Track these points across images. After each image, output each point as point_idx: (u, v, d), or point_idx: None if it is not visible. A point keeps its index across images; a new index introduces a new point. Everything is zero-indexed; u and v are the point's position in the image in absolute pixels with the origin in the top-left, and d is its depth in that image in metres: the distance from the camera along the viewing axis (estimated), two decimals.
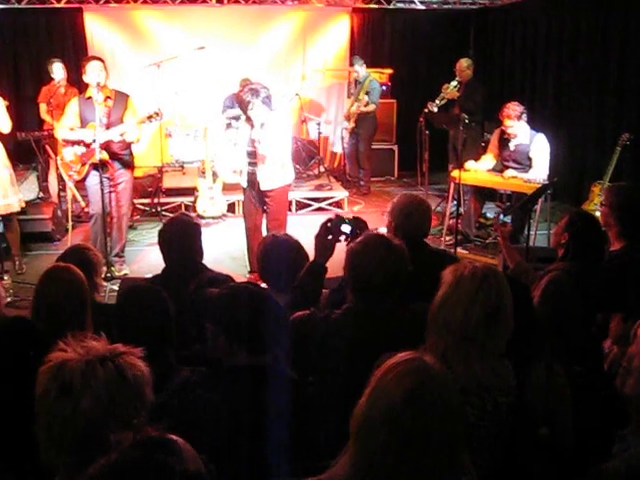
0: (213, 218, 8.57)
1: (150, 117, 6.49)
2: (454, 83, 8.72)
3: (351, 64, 10.24)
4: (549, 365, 2.59)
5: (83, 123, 6.46)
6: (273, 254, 3.61)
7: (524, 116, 7.07)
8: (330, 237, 3.29)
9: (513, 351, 2.42)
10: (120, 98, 6.58)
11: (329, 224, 3.33)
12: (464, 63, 8.76)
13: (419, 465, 1.59)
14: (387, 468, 1.59)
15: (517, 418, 2.31)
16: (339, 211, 9.22)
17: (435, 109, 8.62)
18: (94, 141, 6.18)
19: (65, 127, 6.52)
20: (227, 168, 8.24)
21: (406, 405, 1.61)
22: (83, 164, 6.50)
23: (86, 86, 6.58)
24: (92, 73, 6.32)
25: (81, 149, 6.45)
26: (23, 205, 6.93)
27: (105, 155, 6.30)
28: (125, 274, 6.71)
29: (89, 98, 6.37)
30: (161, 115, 6.67)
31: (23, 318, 2.81)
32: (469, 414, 2.19)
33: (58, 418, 1.64)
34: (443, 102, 8.75)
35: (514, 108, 7.02)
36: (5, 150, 6.67)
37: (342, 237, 3.34)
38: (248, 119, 6.04)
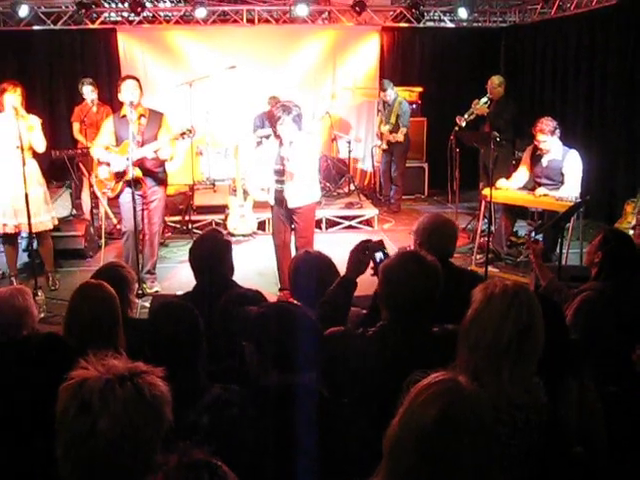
0: (244, 236, 8.61)
1: (183, 134, 6.56)
2: (484, 99, 8.69)
3: (381, 88, 10.22)
4: (580, 382, 2.56)
5: (118, 141, 6.54)
6: (305, 270, 3.61)
7: (557, 132, 7.02)
8: (366, 254, 3.30)
9: (544, 369, 2.39)
10: (154, 116, 6.66)
11: (368, 244, 3.34)
12: (496, 80, 8.73)
13: None
14: None
15: (549, 436, 2.27)
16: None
17: (464, 124, 8.60)
18: (127, 159, 6.25)
19: (100, 145, 6.61)
20: (256, 186, 8.30)
21: (438, 426, 1.60)
22: (117, 181, 6.58)
23: (120, 105, 6.67)
24: (126, 92, 6.40)
25: (114, 168, 6.53)
26: (56, 223, 7.03)
27: (138, 172, 6.37)
28: (156, 291, 6.76)
29: (124, 116, 6.45)
30: (194, 132, 6.74)
31: (55, 335, 2.83)
32: (500, 432, 2.16)
33: (76, 436, 1.64)
34: (472, 117, 8.72)
35: (547, 123, 6.98)
36: (40, 168, 6.78)
37: (372, 263, 3.37)
38: (277, 135, 6.08)
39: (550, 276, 4.38)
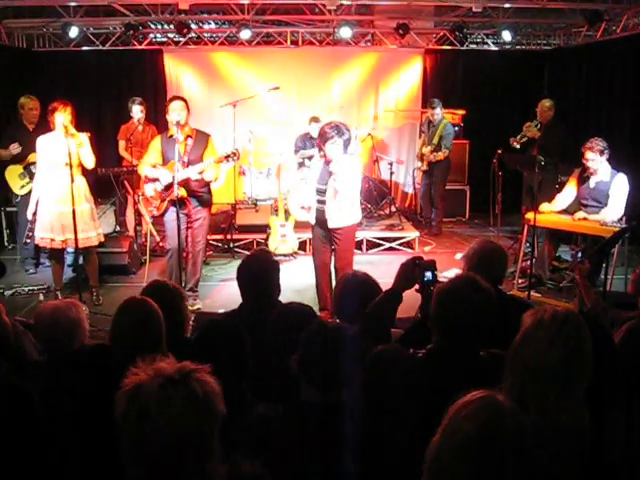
0: (284, 255, 8.64)
1: (228, 157, 6.64)
2: (535, 122, 8.64)
3: (431, 106, 10.21)
4: (628, 414, 2.52)
5: (165, 161, 6.64)
6: (350, 291, 3.62)
7: (606, 153, 6.94)
8: (416, 270, 3.31)
9: (592, 398, 2.37)
10: (201, 137, 6.76)
11: (418, 261, 3.35)
12: (546, 104, 8.68)
13: None
14: None
15: (591, 467, 2.24)
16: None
17: (517, 146, 8.54)
18: (173, 178, 6.34)
19: (147, 163, 6.73)
20: (297, 203, 8.36)
21: (479, 441, 1.61)
22: (162, 200, 6.67)
23: (166, 124, 6.79)
24: (173, 112, 6.51)
25: (161, 186, 6.63)
26: (102, 239, 7.16)
27: (183, 192, 6.45)
28: (198, 308, 6.81)
29: (171, 136, 6.55)
30: (238, 155, 6.81)
31: (104, 345, 2.88)
32: (542, 456, 2.14)
33: (138, 440, 1.68)
34: (524, 140, 8.67)
35: (597, 142, 6.92)
36: (88, 185, 6.92)
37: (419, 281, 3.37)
38: (322, 153, 6.11)
39: (595, 298, 4.33)
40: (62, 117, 6.50)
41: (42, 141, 6.76)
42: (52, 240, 6.77)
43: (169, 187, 6.52)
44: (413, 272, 3.33)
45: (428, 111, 10.42)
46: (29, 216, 6.88)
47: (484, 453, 1.60)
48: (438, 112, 10.19)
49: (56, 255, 7.06)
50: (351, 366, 2.41)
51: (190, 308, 6.70)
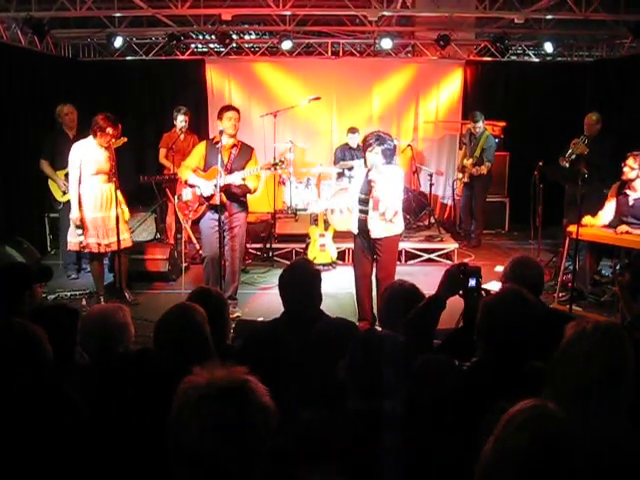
0: (323, 265, 8.64)
1: (275, 164, 6.74)
2: (583, 138, 8.51)
3: (473, 119, 10.16)
4: None
5: (206, 165, 6.74)
6: (396, 300, 3.61)
7: None
8: (461, 276, 3.30)
9: (634, 412, 2.34)
10: (245, 149, 6.86)
11: (465, 267, 3.35)
12: (593, 117, 8.53)
13: None
14: None
15: None
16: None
17: (567, 164, 8.42)
18: (215, 185, 6.43)
19: (189, 168, 6.83)
20: (336, 209, 8.39)
21: (533, 449, 1.61)
22: (201, 204, 6.76)
23: (206, 133, 6.88)
24: (228, 121, 6.62)
25: (200, 191, 6.73)
26: (128, 244, 7.27)
27: (223, 198, 6.53)
28: (237, 316, 6.85)
29: (217, 143, 6.63)
30: (287, 163, 6.88)
31: (149, 349, 2.92)
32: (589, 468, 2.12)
33: (201, 449, 1.67)
34: (573, 157, 8.55)
35: None
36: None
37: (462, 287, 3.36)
38: (365, 161, 6.13)
39: (636, 310, 4.28)
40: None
41: (79, 148, 6.89)
42: (99, 245, 6.93)
43: (209, 195, 6.63)
44: (458, 278, 3.32)
45: (469, 123, 10.37)
46: (77, 221, 6.96)
47: (537, 463, 1.59)
48: (480, 125, 10.14)
49: (99, 259, 7.23)
50: (397, 374, 2.41)
51: (230, 316, 6.77)
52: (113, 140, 6.82)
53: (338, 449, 2.31)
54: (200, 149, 6.91)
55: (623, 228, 6.85)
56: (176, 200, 7.10)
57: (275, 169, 6.81)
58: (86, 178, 6.87)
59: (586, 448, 2.03)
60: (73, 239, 7.07)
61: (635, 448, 2.27)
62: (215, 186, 6.44)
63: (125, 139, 7.29)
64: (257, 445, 1.69)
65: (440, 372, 2.59)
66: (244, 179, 6.61)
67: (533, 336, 2.75)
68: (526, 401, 1.74)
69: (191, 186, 6.77)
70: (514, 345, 2.72)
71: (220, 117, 6.67)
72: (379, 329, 3.86)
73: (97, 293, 7.34)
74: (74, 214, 6.92)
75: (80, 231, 6.95)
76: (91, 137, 6.82)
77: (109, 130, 6.72)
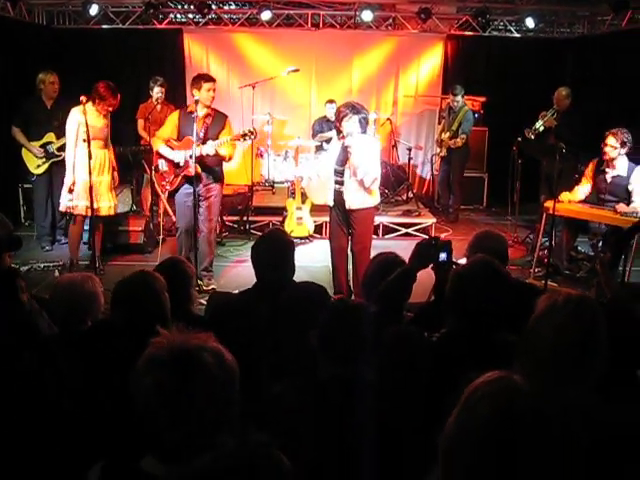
0: (300, 238, 8.63)
1: (245, 135, 6.64)
2: (552, 111, 8.54)
3: (452, 92, 10.13)
4: None
5: (179, 135, 6.67)
6: (380, 271, 3.58)
7: (627, 146, 6.86)
8: (432, 250, 3.29)
9: (605, 385, 2.33)
10: (219, 117, 6.79)
11: (434, 240, 3.33)
12: (563, 92, 8.57)
13: None
14: None
15: (601, 459, 2.18)
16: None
17: (532, 136, 8.46)
18: (190, 155, 6.38)
19: (161, 139, 6.76)
20: (312, 175, 8.36)
21: (498, 421, 1.58)
22: (176, 175, 6.70)
23: (184, 104, 6.80)
24: (207, 92, 6.56)
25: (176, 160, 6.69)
26: (112, 212, 7.26)
27: (198, 168, 6.49)
28: (212, 288, 6.82)
29: (190, 112, 6.55)
30: (256, 134, 6.81)
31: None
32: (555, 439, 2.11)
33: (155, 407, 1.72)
34: (540, 130, 8.57)
35: (623, 132, 6.85)
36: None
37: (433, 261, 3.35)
38: (340, 133, 6.07)
39: (616, 287, 4.28)
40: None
41: (77, 113, 6.78)
42: (88, 208, 6.83)
43: (184, 164, 6.59)
44: (429, 252, 3.30)
45: (449, 97, 10.34)
46: (70, 185, 6.94)
47: (500, 435, 1.57)
48: (459, 99, 10.11)
49: (82, 223, 7.22)
50: (369, 343, 2.39)
51: (205, 288, 6.75)
52: (110, 109, 6.74)
53: (308, 420, 2.29)
54: (173, 119, 6.84)
55: (622, 208, 6.80)
56: (153, 172, 7.04)
57: (244, 139, 6.73)
58: (81, 143, 6.77)
59: (556, 421, 2.02)
60: (65, 202, 7.03)
61: (605, 420, 2.27)
62: (191, 157, 6.38)
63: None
64: (195, 413, 1.72)
65: (409, 343, 2.57)
66: (218, 148, 6.55)
67: (503, 306, 2.73)
68: (491, 373, 1.71)
69: (161, 157, 6.72)
70: (483, 315, 2.71)
71: (198, 87, 6.56)
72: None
73: (71, 260, 7.26)
74: (68, 178, 6.89)
75: (71, 195, 6.94)
76: (89, 103, 6.72)
77: (108, 99, 6.75)
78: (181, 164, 6.61)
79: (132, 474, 1.79)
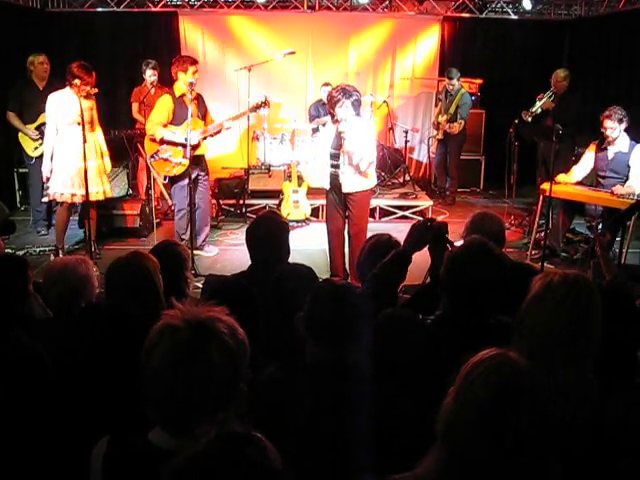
0: (297, 221, 8.63)
1: (258, 106, 6.77)
2: (549, 93, 8.50)
3: (448, 76, 10.08)
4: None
5: (175, 120, 6.69)
6: (375, 256, 3.55)
7: (625, 122, 6.87)
8: (427, 232, 3.26)
9: (601, 366, 2.32)
10: (201, 99, 7.03)
11: (431, 222, 3.32)
12: (561, 74, 8.52)
13: (512, 462, 1.57)
14: (480, 465, 1.57)
15: (594, 440, 2.17)
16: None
17: (529, 119, 8.42)
18: (205, 137, 6.79)
19: (159, 124, 6.75)
20: (309, 158, 8.37)
21: (497, 397, 1.59)
22: (185, 157, 6.77)
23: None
24: (193, 75, 6.72)
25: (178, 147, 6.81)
26: (103, 197, 7.19)
27: (206, 148, 6.91)
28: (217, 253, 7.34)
29: (182, 96, 6.57)
30: (268, 104, 6.92)
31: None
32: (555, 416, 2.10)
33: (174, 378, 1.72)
34: (538, 112, 8.53)
35: (616, 110, 6.85)
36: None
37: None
38: (334, 118, 6.03)
39: (615, 270, 4.27)
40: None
41: (55, 99, 6.73)
42: (73, 195, 6.82)
43: (195, 146, 6.75)
44: (424, 233, 3.27)
45: (445, 80, 10.29)
46: (47, 173, 6.85)
47: (498, 412, 1.57)
48: (455, 82, 10.07)
49: (69, 209, 7.15)
50: (360, 325, 2.37)
51: (205, 255, 7.34)
52: (89, 88, 6.64)
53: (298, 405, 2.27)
54: (167, 104, 6.87)
55: (619, 190, 6.77)
56: (149, 159, 7.04)
57: (258, 110, 7.24)
58: (65, 128, 6.73)
59: (550, 399, 2.02)
60: (49, 190, 6.97)
61: (599, 399, 2.27)
62: (205, 137, 6.80)
63: (96, 90, 7.10)
64: (207, 383, 1.71)
65: (403, 325, 2.55)
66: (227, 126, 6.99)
67: (499, 288, 2.71)
68: (487, 350, 1.71)
69: (167, 143, 6.74)
70: (479, 296, 2.68)
71: (184, 69, 6.67)
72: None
73: (56, 247, 7.24)
74: (46, 166, 6.80)
75: (50, 184, 6.86)
76: (67, 87, 6.65)
77: (84, 78, 6.55)
78: (196, 142, 6.81)
79: (140, 448, 1.78)
